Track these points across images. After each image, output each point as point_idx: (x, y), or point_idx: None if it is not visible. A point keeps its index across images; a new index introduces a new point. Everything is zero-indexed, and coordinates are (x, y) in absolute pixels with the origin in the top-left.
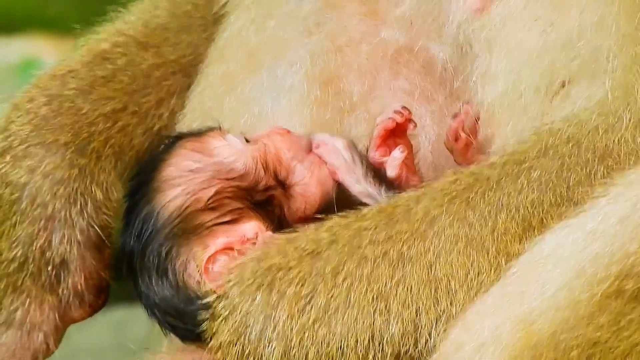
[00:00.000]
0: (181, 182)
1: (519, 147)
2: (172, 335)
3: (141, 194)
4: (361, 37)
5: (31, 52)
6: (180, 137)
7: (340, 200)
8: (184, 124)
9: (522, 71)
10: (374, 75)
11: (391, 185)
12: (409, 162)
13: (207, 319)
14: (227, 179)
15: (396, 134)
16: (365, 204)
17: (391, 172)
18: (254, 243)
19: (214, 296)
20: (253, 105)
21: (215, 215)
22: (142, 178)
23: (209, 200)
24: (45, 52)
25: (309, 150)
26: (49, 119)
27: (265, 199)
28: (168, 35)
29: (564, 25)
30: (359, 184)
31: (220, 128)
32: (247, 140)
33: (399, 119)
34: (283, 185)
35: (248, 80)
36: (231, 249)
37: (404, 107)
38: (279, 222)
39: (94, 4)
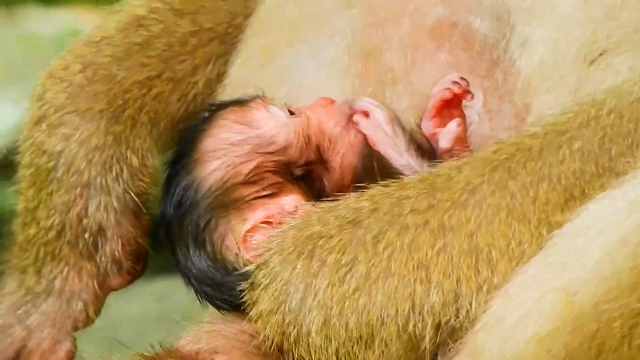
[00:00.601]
0: (221, 155)
1: (560, 117)
2: (209, 304)
3: (182, 164)
4: (402, 10)
5: (74, 23)
6: (223, 105)
7: (381, 172)
8: (223, 97)
9: (562, 40)
10: (416, 49)
11: (436, 156)
12: (462, 135)
13: (246, 289)
14: (268, 153)
15: (452, 104)
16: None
17: (444, 143)
18: (294, 215)
19: (254, 265)
20: (293, 77)
21: (255, 189)
22: (183, 147)
23: (249, 173)
24: (88, 23)
25: (350, 118)
26: (83, 86)
27: (305, 173)
28: (204, 3)
29: None
30: (401, 157)
31: (263, 97)
32: (290, 112)
33: (456, 89)
34: (323, 158)
35: (288, 52)
36: (270, 222)
37: (462, 78)
38: (318, 195)
39: None
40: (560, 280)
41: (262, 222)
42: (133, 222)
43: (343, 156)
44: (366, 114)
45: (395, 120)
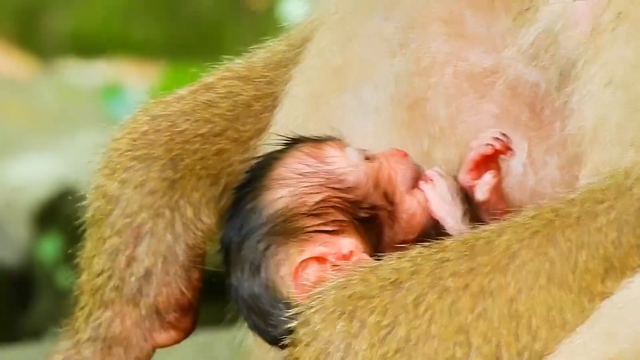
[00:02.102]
0: (290, 184)
1: (597, 185)
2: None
3: (249, 189)
4: (445, 59)
5: (115, 76)
6: (299, 139)
7: (437, 235)
8: (269, 145)
9: (623, 98)
10: (460, 98)
11: (476, 212)
12: (498, 187)
13: (288, 338)
14: (336, 189)
15: (490, 159)
16: None
17: (480, 195)
18: (348, 260)
19: (296, 322)
20: (339, 127)
21: (318, 222)
22: (252, 174)
23: (314, 205)
24: (128, 76)
25: (417, 179)
26: (146, 134)
27: (369, 216)
28: (266, 72)
29: None
30: (456, 224)
31: (341, 139)
32: (365, 157)
33: (497, 146)
34: (390, 206)
35: (333, 101)
36: (325, 260)
37: (503, 134)
38: (377, 242)
39: (177, 29)
40: (609, 351)
41: (317, 258)
42: (181, 273)
43: (413, 214)
44: (430, 181)
45: (456, 189)
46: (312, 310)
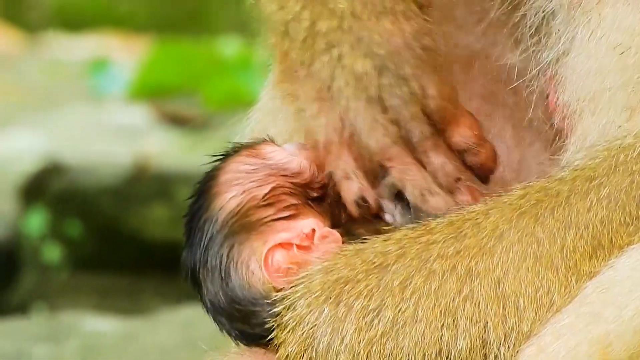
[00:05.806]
0: (238, 183)
1: (589, 162)
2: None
3: (200, 203)
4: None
5: (101, 50)
6: (232, 150)
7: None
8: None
9: (612, 67)
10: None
11: None
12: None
13: (274, 325)
14: (282, 176)
15: None
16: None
17: None
18: (312, 239)
19: (282, 306)
20: None
21: (273, 211)
22: (199, 192)
23: (265, 196)
24: (114, 50)
25: None
26: None
27: (320, 195)
28: None
29: None
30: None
31: (272, 140)
32: (302, 148)
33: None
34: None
35: None
36: (290, 244)
37: None
38: (336, 218)
39: (163, 2)
40: (595, 331)
41: (281, 244)
42: None
43: None
44: None
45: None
46: (298, 294)
